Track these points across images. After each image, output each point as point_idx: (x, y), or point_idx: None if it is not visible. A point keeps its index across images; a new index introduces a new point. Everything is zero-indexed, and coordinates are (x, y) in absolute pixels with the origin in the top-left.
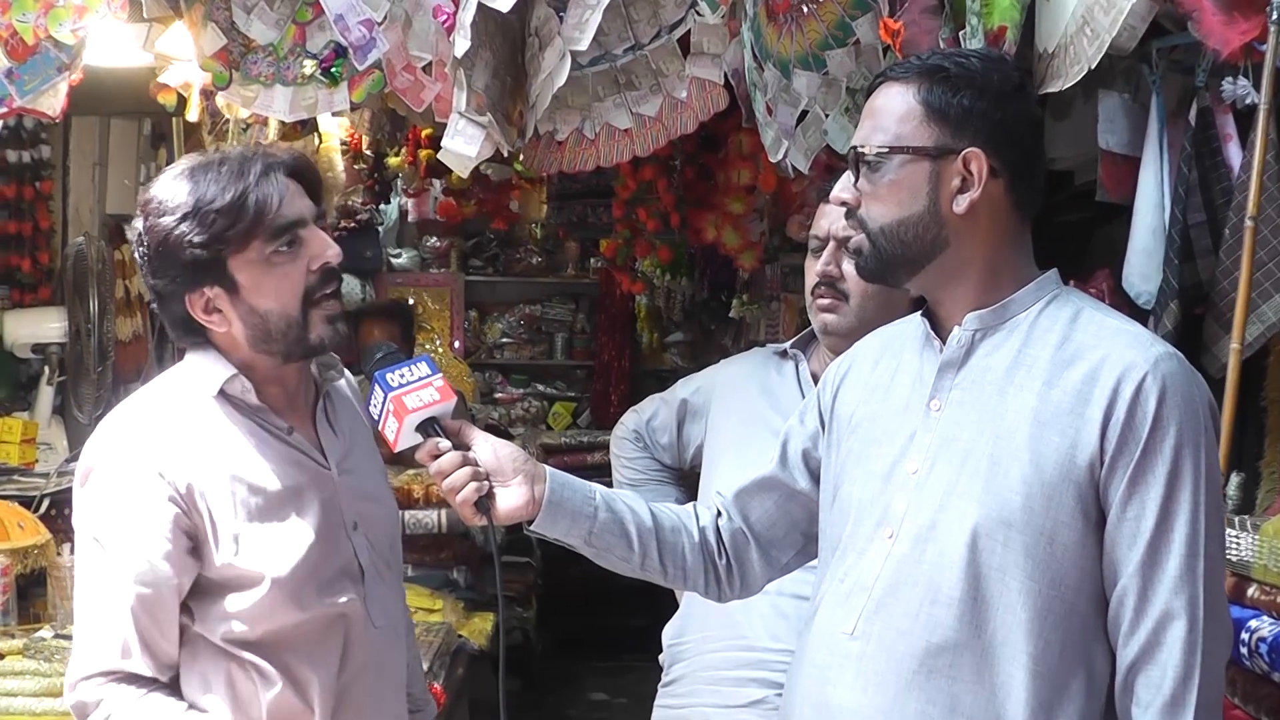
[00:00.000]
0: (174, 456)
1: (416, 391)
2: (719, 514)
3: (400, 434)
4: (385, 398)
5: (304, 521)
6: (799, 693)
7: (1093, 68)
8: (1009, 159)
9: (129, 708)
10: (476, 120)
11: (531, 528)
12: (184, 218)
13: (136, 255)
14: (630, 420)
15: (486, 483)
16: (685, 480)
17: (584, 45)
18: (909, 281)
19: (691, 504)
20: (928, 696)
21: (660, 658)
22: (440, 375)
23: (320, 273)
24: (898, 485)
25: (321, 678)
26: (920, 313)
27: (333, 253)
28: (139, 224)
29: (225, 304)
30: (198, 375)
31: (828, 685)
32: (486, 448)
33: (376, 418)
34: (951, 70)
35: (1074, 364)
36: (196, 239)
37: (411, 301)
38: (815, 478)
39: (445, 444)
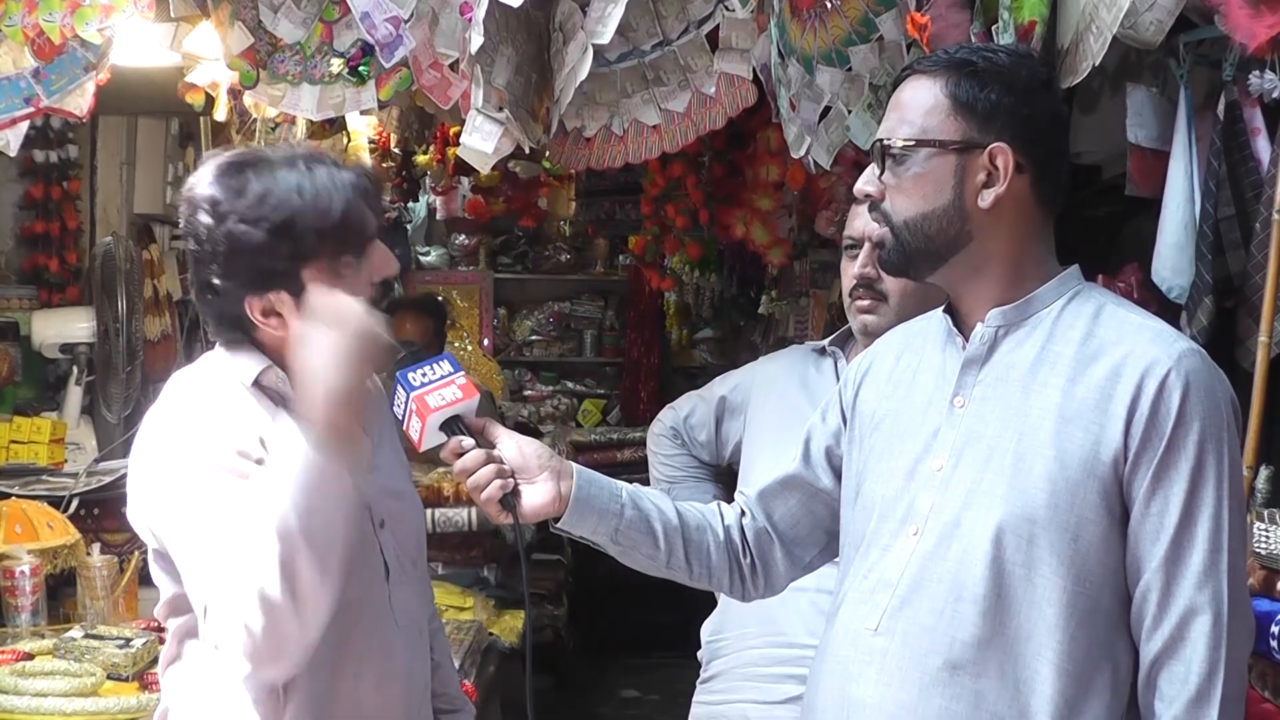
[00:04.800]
0: (235, 424)
1: (439, 390)
2: (743, 513)
3: (424, 433)
4: (408, 397)
5: None
6: (822, 689)
7: (1096, 64)
8: (1035, 154)
9: None
10: (494, 117)
11: (558, 525)
12: (275, 230)
13: (194, 247)
14: (667, 417)
15: (511, 480)
16: (722, 477)
17: (606, 39)
18: (931, 275)
19: (716, 503)
20: (952, 693)
21: (698, 654)
22: (463, 373)
23: (380, 286)
24: (922, 482)
25: (344, 676)
26: (942, 308)
27: (393, 267)
28: (206, 220)
29: (288, 309)
30: (231, 365)
31: (851, 681)
32: (511, 445)
33: (400, 418)
34: (979, 65)
35: (1097, 360)
36: (284, 250)
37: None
38: (838, 476)
39: (469, 442)
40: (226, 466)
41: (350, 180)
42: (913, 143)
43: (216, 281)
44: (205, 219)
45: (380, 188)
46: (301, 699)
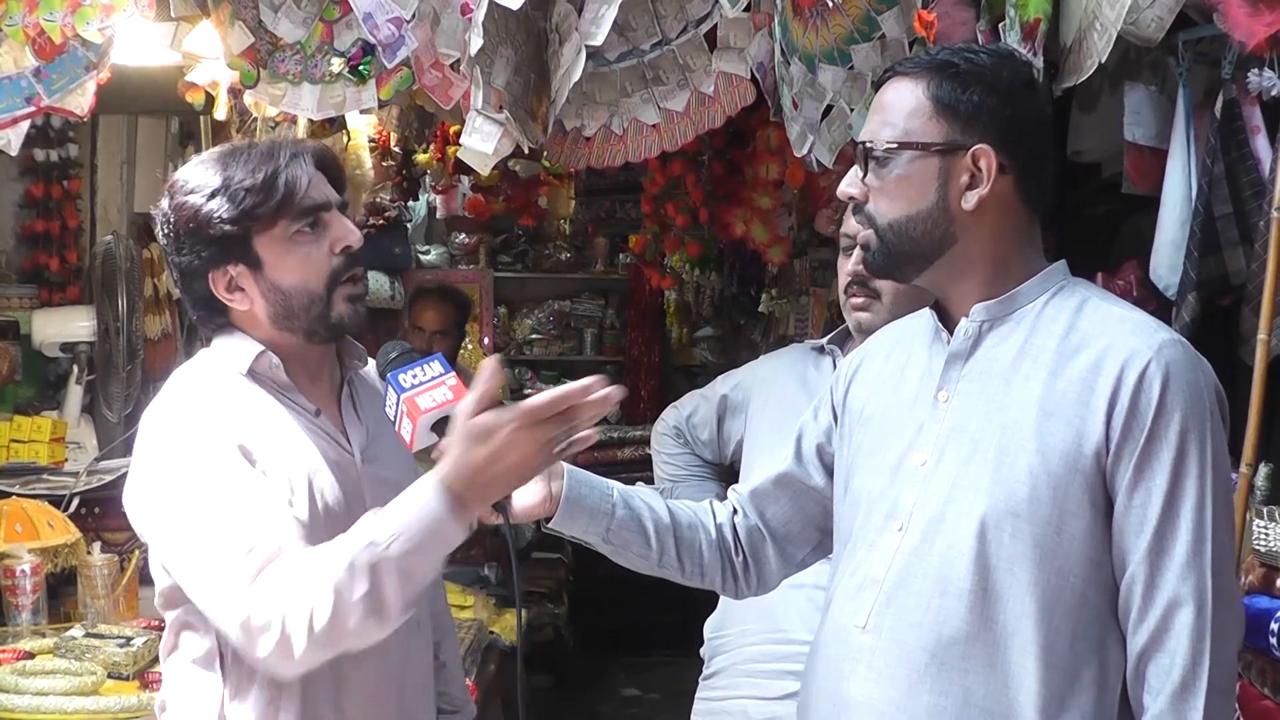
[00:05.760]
0: (225, 418)
1: (429, 391)
2: (735, 511)
3: (415, 435)
4: (398, 399)
5: (329, 503)
6: (814, 686)
7: (1103, 61)
8: (1018, 155)
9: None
10: (493, 117)
11: (549, 525)
12: (213, 194)
13: (161, 235)
14: (670, 416)
15: None
16: (725, 476)
17: (599, 40)
18: (917, 277)
19: (708, 501)
20: (940, 688)
21: (701, 651)
22: (453, 374)
23: (344, 256)
24: (906, 477)
25: (338, 665)
26: (930, 306)
27: (354, 237)
28: (164, 204)
29: (248, 281)
30: (226, 355)
31: (842, 678)
32: None
33: (392, 419)
34: (961, 66)
35: (1079, 353)
36: (226, 214)
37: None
38: (830, 473)
39: None
40: (227, 458)
41: (292, 151)
42: (895, 145)
43: (177, 259)
44: (163, 202)
45: (338, 165)
46: (295, 688)
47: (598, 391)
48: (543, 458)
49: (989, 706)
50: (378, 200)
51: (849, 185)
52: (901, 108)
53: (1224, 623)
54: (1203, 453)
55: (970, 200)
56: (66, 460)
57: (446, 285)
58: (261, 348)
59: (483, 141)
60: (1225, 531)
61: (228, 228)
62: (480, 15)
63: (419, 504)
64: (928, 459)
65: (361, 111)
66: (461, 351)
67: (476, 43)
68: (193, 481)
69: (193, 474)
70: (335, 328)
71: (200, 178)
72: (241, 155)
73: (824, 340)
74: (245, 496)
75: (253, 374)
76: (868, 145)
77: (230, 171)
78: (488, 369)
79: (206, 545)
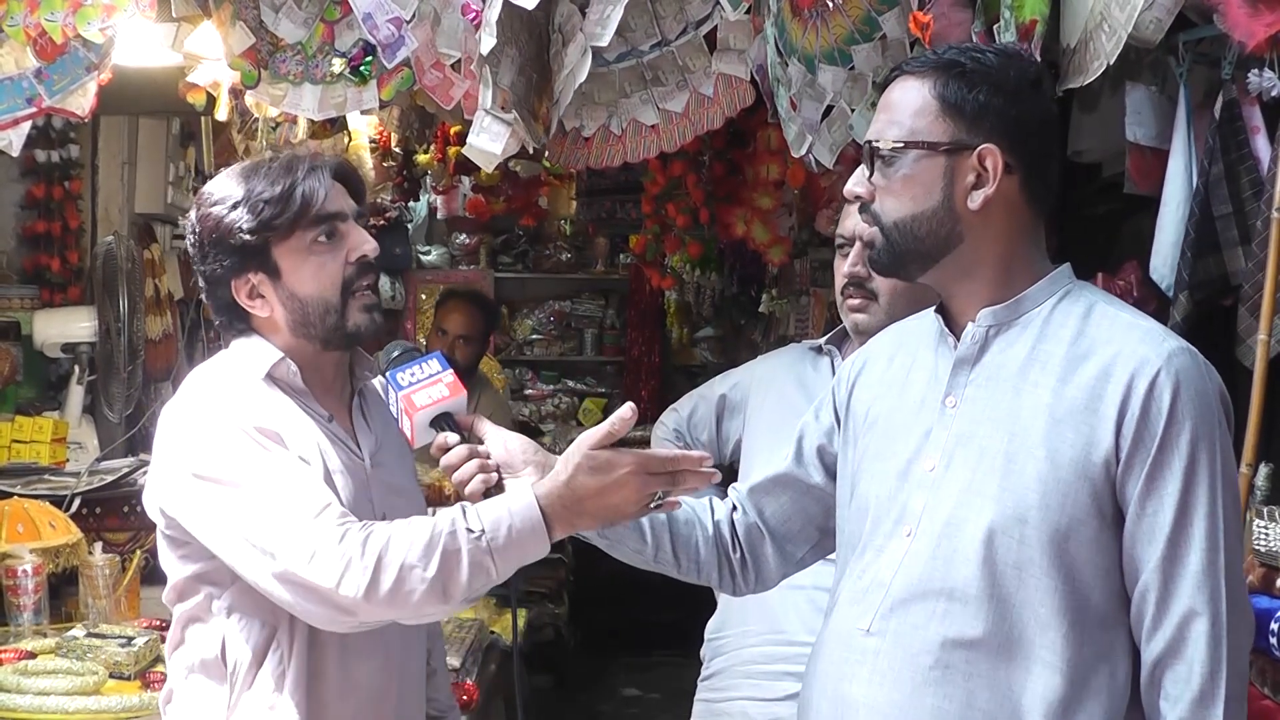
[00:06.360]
0: (254, 407)
1: (426, 389)
2: (734, 508)
3: (414, 430)
4: (397, 396)
5: (343, 502)
6: (816, 688)
7: (1111, 63)
8: (1024, 156)
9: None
10: (501, 117)
11: None
12: (235, 206)
13: (188, 244)
14: (670, 419)
15: (495, 474)
16: (725, 476)
17: (605, 41)
18: (921, 275)
19: (707, 497)
20: (944, 692)
21: (701, 651)
22: (450, 372)
23: (357, 265)
24: (915, 483)
25: (338, 664)
26: (934, 308)
27: (370, 247)
28: (192, 214)
29: (268, 289)
30: (246, 358)
31: (844, 681)
32: (497, 440)
33: (395, 416)
34: (968, 66)
35: (1088, 360)
36: (246, 225)
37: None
38: (830, 473)
39: (454, 438)
40: (266, 437)
41: (311, 164)
42: (901, 144)
43: (202, 267)
44: (193, 213)
45: (357, 177)
46: (301, 680)
47: (709, 467)
48: (638, 507)
49: (992, 711)
50: (378, 201)
51: (855, 184)
52: (908, 107)
53: (1238, 631)
54: (1213, 461)
55: (976, 200)
56: (68, 460)
57: (476, 290)
58: (280, 354)
59: (491, 141)
60: (1235, 539)
61: (248, 238)
62: (493, 15)
63: (520, 507)
64: (936, 464)
65: (362, 112)
66: None
67: (489, 42)
68: (241, 455)
69: (238, 449)
70: (352, 336)
71: (224, 190)
72: (263, 169)
73: (822, 340)
74: (296, 465)
75: (270, 378)
76: (874, 144)
77: (251, 184)
78: (627, 411)
79: (279, 507)
